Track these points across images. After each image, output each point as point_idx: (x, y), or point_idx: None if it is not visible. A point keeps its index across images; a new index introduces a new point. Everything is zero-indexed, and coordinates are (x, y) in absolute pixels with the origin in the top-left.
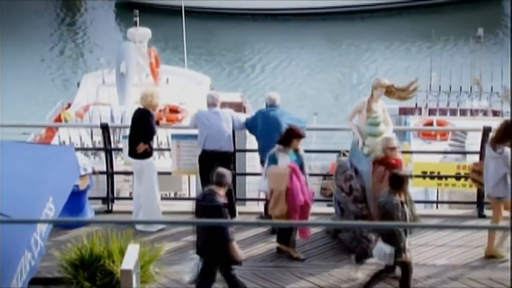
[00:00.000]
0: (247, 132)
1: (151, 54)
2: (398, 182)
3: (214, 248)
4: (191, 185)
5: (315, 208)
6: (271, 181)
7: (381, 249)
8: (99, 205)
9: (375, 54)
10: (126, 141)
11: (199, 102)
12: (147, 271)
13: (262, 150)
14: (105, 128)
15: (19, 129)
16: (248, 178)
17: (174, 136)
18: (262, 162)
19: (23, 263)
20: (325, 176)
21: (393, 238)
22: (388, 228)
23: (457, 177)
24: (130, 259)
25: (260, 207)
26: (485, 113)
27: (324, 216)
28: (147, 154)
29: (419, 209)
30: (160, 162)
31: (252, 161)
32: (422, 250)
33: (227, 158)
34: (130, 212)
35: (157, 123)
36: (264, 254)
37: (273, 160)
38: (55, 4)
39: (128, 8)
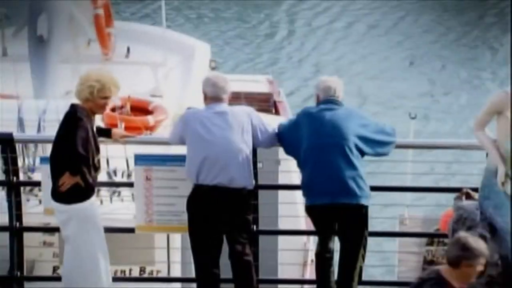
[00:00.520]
0: (280, 151)
1: (97, 2)
2: None
3: None
4: (173, 254)
5: None
6: None
7: None
8: None
9: None
10: (47, 169)
11: (188, 94)
12: None
13: (310, 188)
14: (7, 142)
15: None
16: (281, 241)
17: (139, 159)
18: (309, 212)
19: None
20: (433, 237)
21: None
22: None
23: None
24: None
25: None
26: None
27: None
28: (78, 194)
29: None
30: (112, 208)
31: (288, 208)
32: None
33: (243, 202)
34: None
35: (107, 133)
36: None
37: None
38: None
39: None
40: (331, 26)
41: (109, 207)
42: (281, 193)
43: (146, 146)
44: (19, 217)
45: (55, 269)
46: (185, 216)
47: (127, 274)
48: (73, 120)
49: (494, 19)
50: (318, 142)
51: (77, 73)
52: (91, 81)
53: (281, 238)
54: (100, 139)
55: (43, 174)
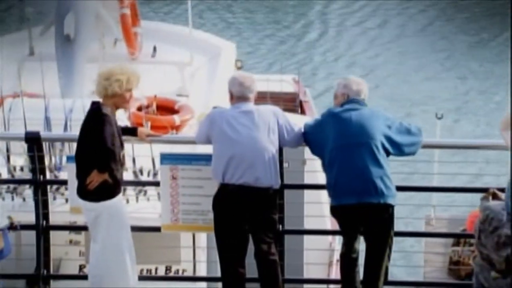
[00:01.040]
0: (306, 150)
1: (124, 2)
2: None
3: None
4: (199, 254)
5: None
6: None
7: None
8: None
9: None
10: (73, 168)
11: (214, 93)
12: None
13: (336, 188)
14: (34, 141)
15: None
16: (306, 240)
17: (165, 158)
18: (335, 212)
19: None
20: (459, 238)
21: None
22: None
23: None
24: None
25: None
26: None
27: None
28: (106, 191)
29: None
30: (138, 207)
31: (314, 208)
32: None
33: (268, 202)
34: None
35: (133, 132)
36: None
37: None
38: None
39: None
40: (364, 26)
41: (135, 206)
42: (307, 192)
43: (172, 145)
44: (46, 216)
45: (81, 267)
46: (210, 216)
47: (153, 273)
48: (99, 117)
49: None
50: (344, 142)
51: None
52: (117, 75)
53: (306, 238)
54: (126, 138)
55: (69, 172)
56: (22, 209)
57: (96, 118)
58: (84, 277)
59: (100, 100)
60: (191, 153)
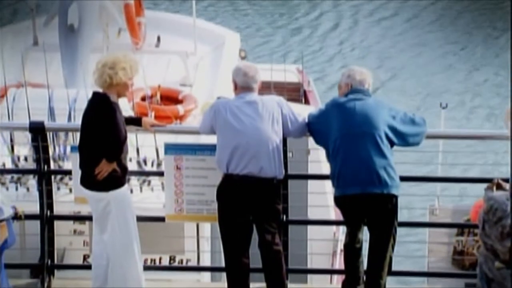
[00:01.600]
0: (310, 140)
1: None
2: None
3: None
4: (203, 244)
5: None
6: None
7: None
8: (26, 279)
9: None
10: (78, 158)
11: (218, 83)
12: None
13: (340, 178)
14: (38, 131)
15: None
16: (310, 231)
17: (169, 148)
18: (339, 202)
19: None
20: (463, 228)
21: None
22: None
23: None
24: None
25: None
26: None
27: None
28: (115, 180)
29: None
30: (143, 197)
31: (318, 198)
32: None
33: (272, 192)
34: None
35: (137, 122)
36: None
37: None
38: None
39: None
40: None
41: (139, 196)
42: (311, 183)
43: (176, 135)
44: (50, 206)
45: (85, 257)
46: (214, 206)
47: (157, 263)
48: (109, 106)
49: None
50: (348, 132)
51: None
52: (121, 63)
53: (310, 228)
54: (130, 128)
55: (73, 162)
56: (26, 199)
57: (106, 107)
58: (88, 267)
59: (101, 90)
60: (195, 143)
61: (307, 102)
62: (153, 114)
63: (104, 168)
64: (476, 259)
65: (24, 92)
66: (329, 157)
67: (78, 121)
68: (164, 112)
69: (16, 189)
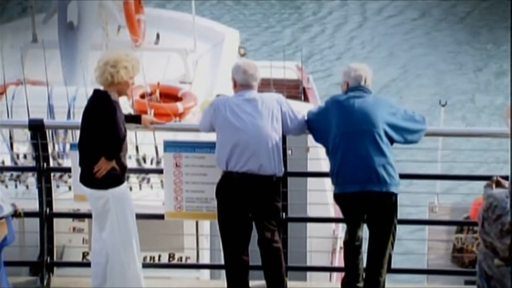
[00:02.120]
0: (309, 138)
1: None
2: None
3: None
4: (202, 241)
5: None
6: None
7: None
8: (25, 277)
9: None
10: (77, 155)
11: (217, 81)
12: None
13: (339, 175)
14: (37, 128)
15: None
16: (310, 228)
17: (168, 146)
18: (338, 200)
19: None
20: (462, 225)
21: None
22: None
23: None
24: None
25: None
26: None
27: None
28: (114, 178)
29: None
30: (142, 195)
31: (317, 195)
32: None
33: (272, 189)
34: None
35: (136, 120)
36: None
37: None
38: None
39: None
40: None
41: (139, 194)
42: (310, 180)
43: (175, 132)
44: (49, 203)
45: (84, 255)
46: (214, 203)
47: (156, 261)
48: (110, 104)
49: None
50: (347, 129)
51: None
52: (123, 62)
53: (310, 225)
54: (130, 125)
55: (73, 160)
56: (26, 196)
57: (107, 105)
58: (88, 265)
59: (101, 87)
60: (194, 141)
61: (306, 99)
62: (152, 111)
63: (103, 166)
64: (476, 257)
65: (23, 90)
66: (329, 154)
67: (77, 118)
68: (164, 110)
69: (16, 186)
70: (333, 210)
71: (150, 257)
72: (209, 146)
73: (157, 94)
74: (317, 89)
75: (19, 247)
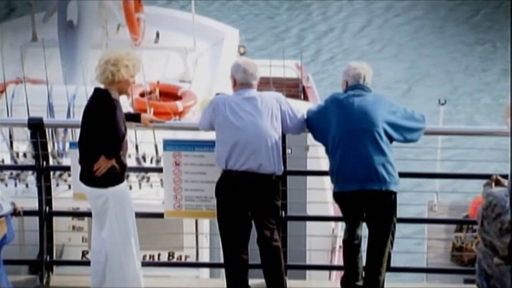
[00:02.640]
0: (309, 136)
1: None
2: None
3: None
4: (202, 240)
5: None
6: None
7: None
8: (24, 275)
9: None
10: (77, 154)
11: (217, 79)
12: None
13: (339, 174)
14: (37, 127)
15: None
16: (309, 227)
17: (168, 144)
18: (338, 198)
19: None
20: (461, 224)
21: None
22: None
23: None
24: None
25: None
26: None
27: None
28: (114, 177)
29: None
30: (141, 194)
31: (317, 194)
32: None
33: (271, 188)
34: None
35: (136, 118)
36: None
37: None
38: None
39: None
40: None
41: (138, 193)
42: (310, 179)
43: (175, 131)
44: (49, 202)
45: (84, 253)
46: (213, 202)
47: (156, 259)
48: (110, 103)
49: None
50: (347, 128)
51: (101, 58)
52: (124, 60)
53: (309, 224)
54: (129, 124)
55: (72, 159)
56: (25, 195)
57: (107, 104)
58: (87, 263)
59: (102, 86)
60: (194, 139)
61: (306, 98)
62: (152, 110)
63: (103, 165)
64: (475, 255)
65: (23, 88)
66: (328, 153)
67: (77, 117)
68: (163, 108)
69: (15, 185)
70: (333, 209)
71: (150, 256)
72: (209, 145)
73: (157, 92)
74: (317, 88)
75: (18, 245)
